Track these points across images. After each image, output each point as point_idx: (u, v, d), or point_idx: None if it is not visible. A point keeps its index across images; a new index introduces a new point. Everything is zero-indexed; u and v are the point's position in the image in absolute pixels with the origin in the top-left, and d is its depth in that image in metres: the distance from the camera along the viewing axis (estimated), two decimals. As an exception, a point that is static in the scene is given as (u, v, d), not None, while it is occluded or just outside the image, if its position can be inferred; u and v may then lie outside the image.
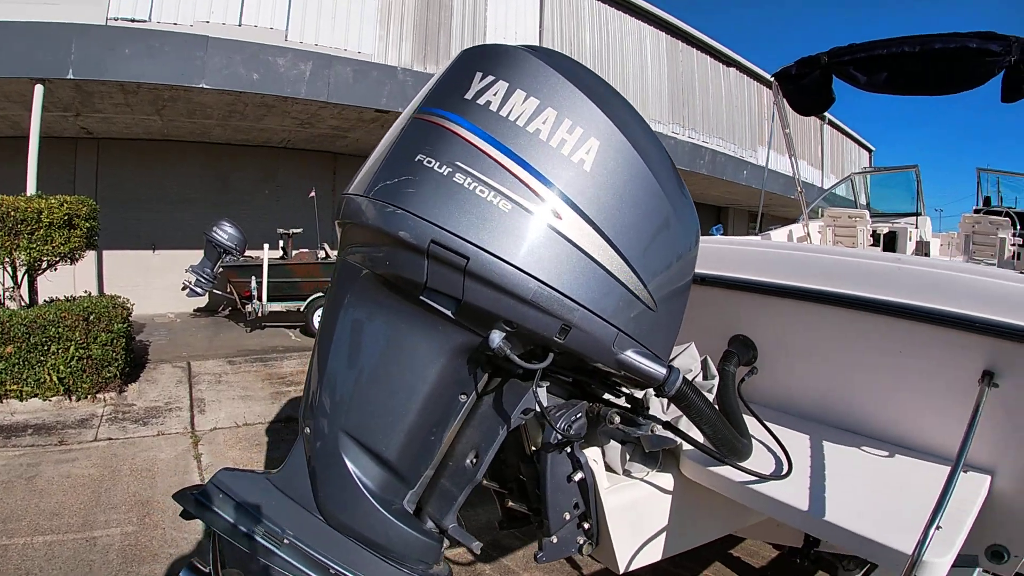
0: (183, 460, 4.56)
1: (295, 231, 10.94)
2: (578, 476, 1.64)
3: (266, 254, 9.71)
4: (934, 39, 3.77)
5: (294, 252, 10.97)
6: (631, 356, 1.49)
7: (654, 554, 1.92)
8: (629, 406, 1.83)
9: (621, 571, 1.82)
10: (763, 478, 1.85)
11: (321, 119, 10.94)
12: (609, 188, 1.44)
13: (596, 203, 1.41)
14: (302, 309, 9.87)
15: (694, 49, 16.81)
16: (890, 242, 5.90)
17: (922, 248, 6.00)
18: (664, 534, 1.95)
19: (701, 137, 16.23)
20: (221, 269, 10.34)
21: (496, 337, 1.34)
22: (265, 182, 13.67)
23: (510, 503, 1.90)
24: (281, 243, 10.90)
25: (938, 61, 3.79)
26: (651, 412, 1.86)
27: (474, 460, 1.50)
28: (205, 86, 8.69)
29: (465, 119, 1.41)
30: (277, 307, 9.85)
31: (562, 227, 1.36)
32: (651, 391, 1.75)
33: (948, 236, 6.82)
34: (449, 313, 1.37)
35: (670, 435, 1.75)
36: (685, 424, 1.79)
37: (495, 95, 1.42)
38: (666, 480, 1.96)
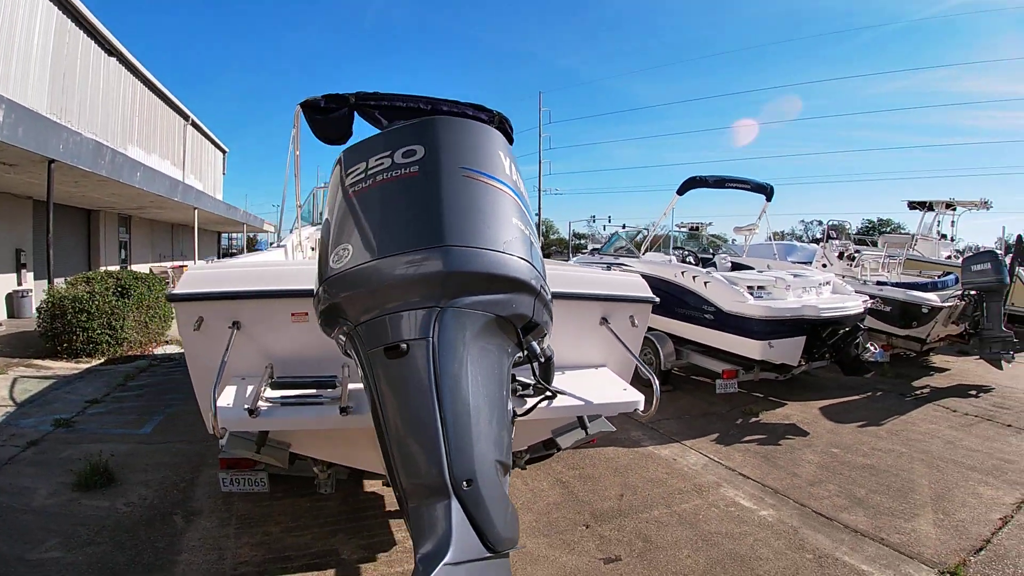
0: None
1: None
2: None
3: None
4: (441, 102, 4.62)
5: None
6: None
7: None
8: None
9: None
10: (570, 395, 2.84)
11: None
12: None
13: None
14: None
15: (82, 31, 15.60)
16: None
17: None
18: None
19: (76, 128, 13.99)
20: None
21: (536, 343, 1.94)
22: None
23: None
24: None
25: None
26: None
27: None
28: None
29: (525, 201, 1.97)
30: None
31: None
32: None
33: None
34: (520, 332, 1.81)
35: None
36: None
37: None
38: None
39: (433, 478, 1.52)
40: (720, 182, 9.20)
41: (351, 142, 3.22)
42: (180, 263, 26.30)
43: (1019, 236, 12.75)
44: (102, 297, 9.18)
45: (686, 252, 11.71)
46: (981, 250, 11.75)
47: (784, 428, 6.41)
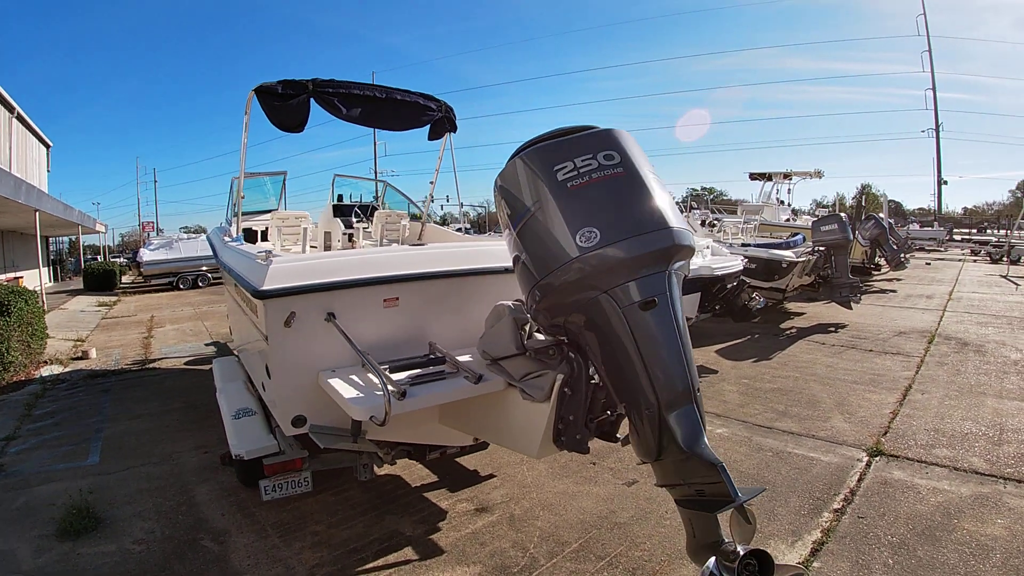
0: None
1: None
2: None
3: None
4: (395, 91, 5.01)
5: None
6: None
7: None
8: None
9: None
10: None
11: None
12: None
13: None
14: None
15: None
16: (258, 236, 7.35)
17: (328, 239, 7.46)
18: None
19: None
20: None
21: None
22: None
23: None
24: None
25: (397, 106, 5.06)
26: None
27: None
28: None
29: None
30: None
31: None
32: None
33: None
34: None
35: None
36: None
37: None
38: None
39: (685, 388, 2.17)
40: None
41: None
42: (14, 275, 22.18)
43: (858, 201, 15.42)
44: (-19, 318, 7.87)
45: None
46: (827, 214, 14.14)
47: (695, 369, 7.49)
